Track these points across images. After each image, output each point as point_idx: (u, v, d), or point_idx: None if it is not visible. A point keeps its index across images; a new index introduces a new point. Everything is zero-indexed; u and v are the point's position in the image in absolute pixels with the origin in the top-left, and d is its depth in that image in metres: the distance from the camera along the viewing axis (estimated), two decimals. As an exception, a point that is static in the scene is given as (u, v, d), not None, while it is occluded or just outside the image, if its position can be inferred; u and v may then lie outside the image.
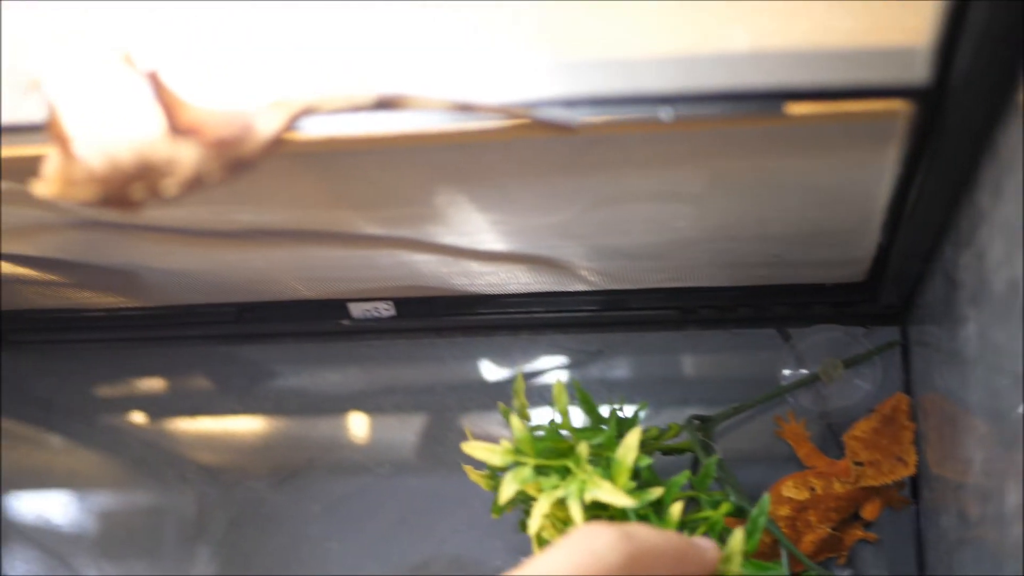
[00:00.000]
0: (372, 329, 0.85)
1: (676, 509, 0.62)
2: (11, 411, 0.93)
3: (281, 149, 0.45)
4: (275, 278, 0.79)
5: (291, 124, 0.44)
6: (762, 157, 0.57)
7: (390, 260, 0.75)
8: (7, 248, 0.71)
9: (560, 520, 0.65)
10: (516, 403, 0.71)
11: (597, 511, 0.65)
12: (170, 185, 0.45)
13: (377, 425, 0.88)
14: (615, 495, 0.62)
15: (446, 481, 0.83)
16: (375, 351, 0.88)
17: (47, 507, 0.91)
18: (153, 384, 0.91)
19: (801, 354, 0.81)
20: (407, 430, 0.87)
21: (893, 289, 0.74)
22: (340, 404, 0.88)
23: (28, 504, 0.91)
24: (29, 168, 0.54)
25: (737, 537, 0.59)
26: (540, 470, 0.65)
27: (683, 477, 0.65)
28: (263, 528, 0.87)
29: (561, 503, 0.65)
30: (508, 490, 0.64)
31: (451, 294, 0.82)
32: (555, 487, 0.64)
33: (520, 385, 0.71)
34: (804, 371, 0.80)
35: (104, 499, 0.90)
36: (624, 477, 0.64)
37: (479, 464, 0.72)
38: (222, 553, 0.87)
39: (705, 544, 0.58)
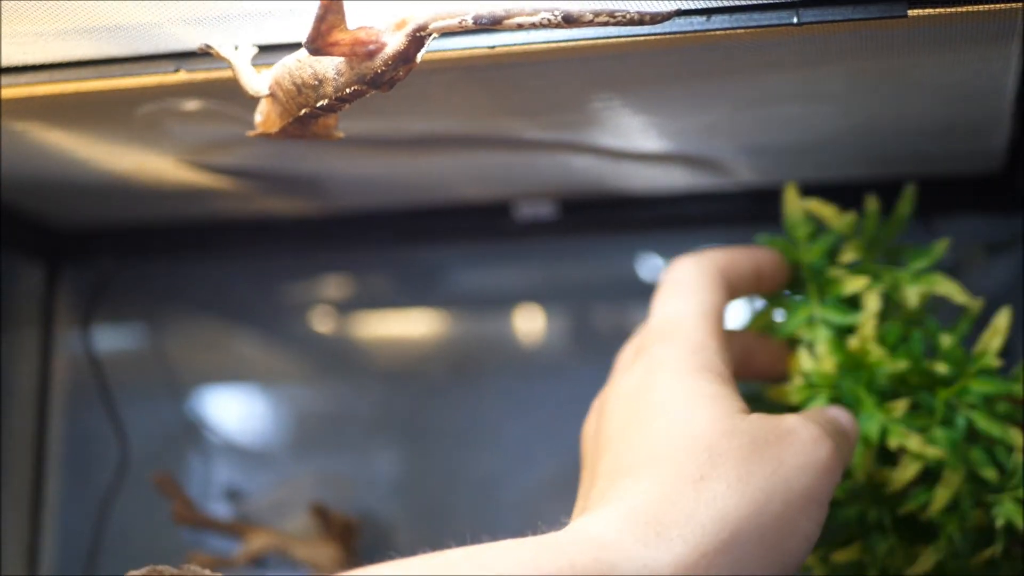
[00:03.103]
0: (538, 230, 0.91)
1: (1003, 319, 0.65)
2: (206, 316, 1.02)
3: (415, 67, 0.50)
4: (447, 182, 0.85)
5: (414, 42, 0.49)
6: (891, 57, 0.61)
7: (553, 163, 0.81)
8: (210, 159, 0.78)
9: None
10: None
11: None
12: (324, 99, 0.52)
13: (544, 321, 0.94)
14: (959, 292, 0.66)
15: (608, 371, 0.88)
16: (541, 251, 0.93)
17: (241, 408, 0.99)
18: (335, 287, 0.99)
19: (942, 243, 0.84)
20: (573, 325, 0.93)
21: (1032, 177, 0.77)
22: (510, 301, 0.94)
23: (221, 405, 1.00)
24: (220, 89, 0.62)
25: None
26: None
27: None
28: (441, 415, 0.94)
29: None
30: (850, 255, 0.68)
31: (611, 194, 0.88)
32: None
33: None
34: (945, 261, 0.84)
35: (293, 398, 0.98)
36: None
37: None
38: (406, 436, 0.95)
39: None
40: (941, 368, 0.65)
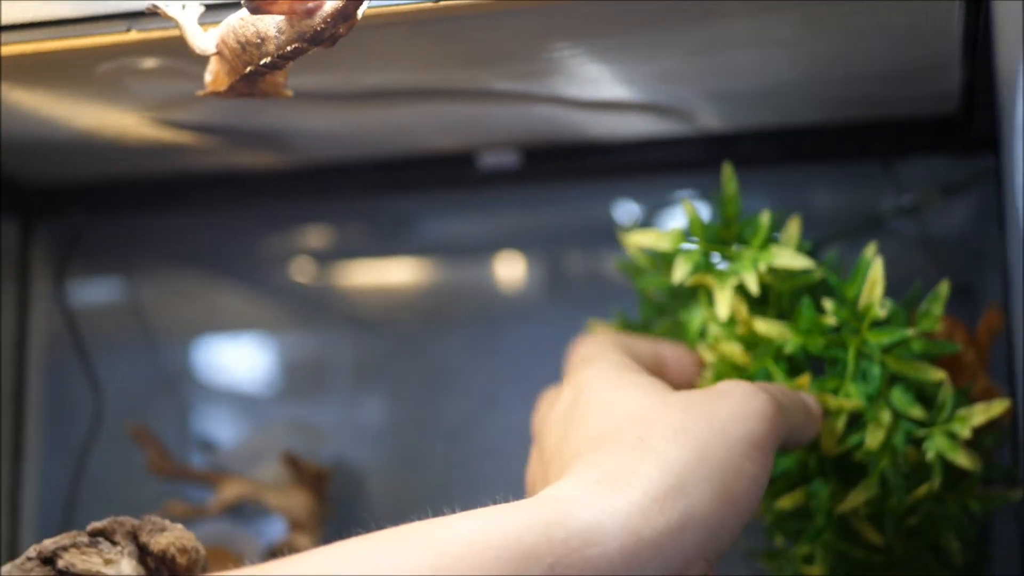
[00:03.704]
0: (503, 178, 0.91)
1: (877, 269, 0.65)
2: (178, 268, 1.03)
3: (356, 23, 0.51)
4: (410, 133, 0.86)
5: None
6: (839, 2, 0.62)
7: (514, 112, 0.81)
8: (168, 117, 0.79)
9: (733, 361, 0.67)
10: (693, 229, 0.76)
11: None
12: (267, 56, 0.53)
13: (512, 268, 0.95)
14: (795, 258, 0.66)
15: (575, 316, 0.89)
16: (507, 198, 0.94)
17: (214, 359, 1.01)
18: (304, 238, 1.00)
19: (900, 185, 0.85)
20: (539, 271, 0.95)
21: (985, 118, 0.78)
22: (477, 249, 0.96)
23: (195, 356, 1.01)
24: (175, 47, 0.63)
25: None
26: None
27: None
28: (411, 363, 0.95)
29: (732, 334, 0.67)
30: (682, 271, 0.68)
31: (574, 142, 0.88)
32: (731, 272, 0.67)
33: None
34: (904, 202, 0.85)
35: (266, 348, 1.00)
36: (795, 247, 0.68)
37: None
38: (378, 384, 0.96)
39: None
40: (831, 321, 0.66)
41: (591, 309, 0.82)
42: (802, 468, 0.67)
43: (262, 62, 0.54)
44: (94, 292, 1.03)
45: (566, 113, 0.81)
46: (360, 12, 0.52)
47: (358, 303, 0.99)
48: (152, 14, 0.57)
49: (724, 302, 0.66)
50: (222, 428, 0.98)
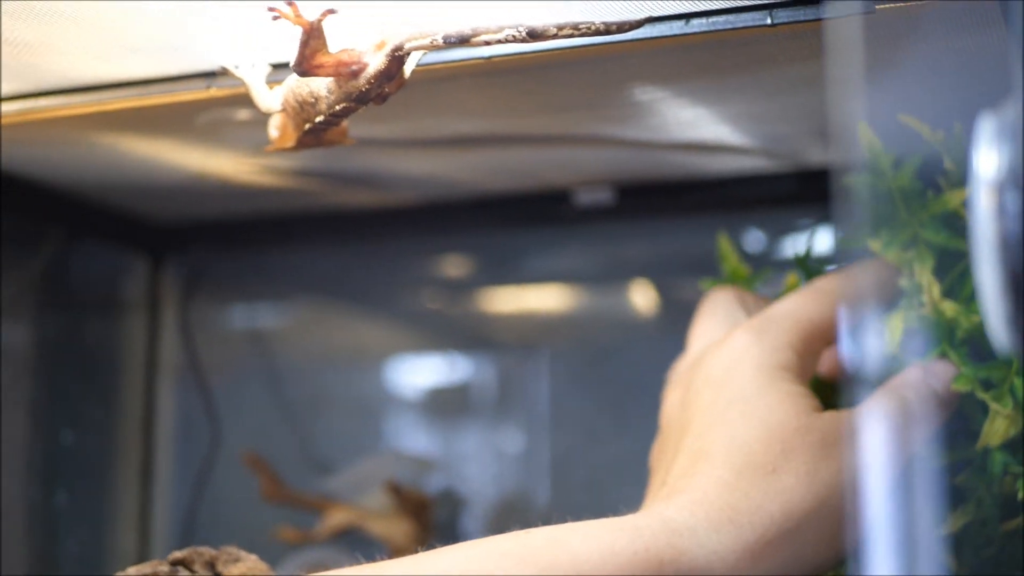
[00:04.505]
0: (599, 214, 0.93)
1: None
2: (293, 301, 1.08)
3: (403, 83, 0.54)
4: (508, 170, 0.89)
5: (394, 61, 0.52)
6: (914, 42, 0.62)
7: (611, 154, 0.84)
8: (270, 162, 0.83)
9: None
10: (726, 266, 0.76)
11: None
12: (320, 114, 0.56)
13: (606, 300, 0.97)
14: None
15: (675, 347, 0.90)
16: (602, 234, 0.96)
17: (326, 387, 1.05)
18: (410, 272, 1.03)
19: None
20: (635, 303, 0.96)
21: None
22: (575, 283, 0.98)
23: (308, 384, 1.05)
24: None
25: None
26: None
27: None
28: (513, 392, 0.98)
29: None
30: (956, 200, 0.64)
31: (666, 179, 0.90)
32: None
33: (724, 244, 0.77)
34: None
35: (373, 378, 1.04)
36: None
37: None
38: (485, 414, 0.98)
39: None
40: None
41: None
42: None
43: (317, 120, 0.57)
44: (217, 322, 1.08)
45: (657, 152, 0.82)
46: (408, 70, 0.54)
47: (465, 335, 1.01)
48: (223, 74, 0.61)
49: (927, 274, 0.63)
50: (337, 454, 1.02)
